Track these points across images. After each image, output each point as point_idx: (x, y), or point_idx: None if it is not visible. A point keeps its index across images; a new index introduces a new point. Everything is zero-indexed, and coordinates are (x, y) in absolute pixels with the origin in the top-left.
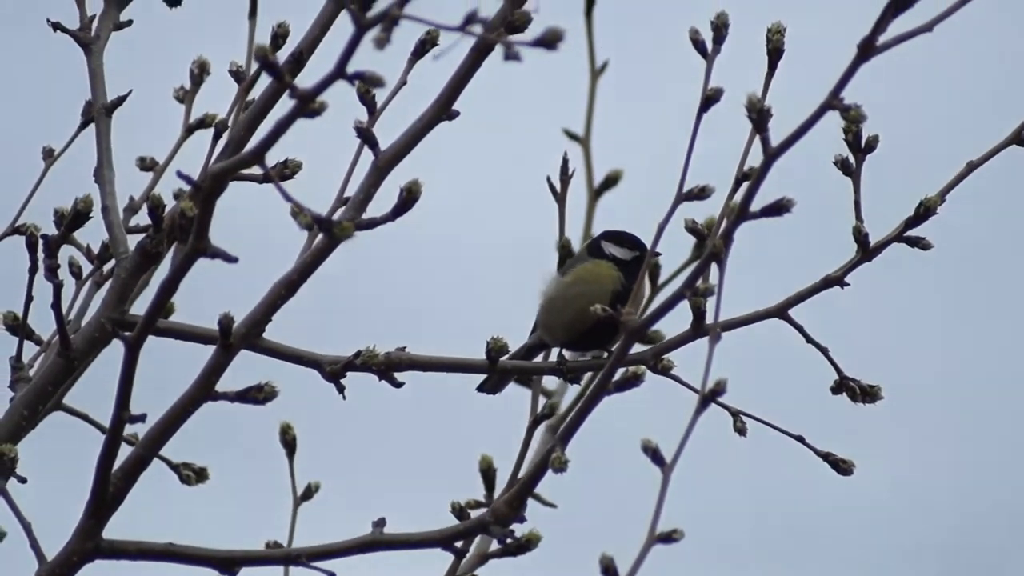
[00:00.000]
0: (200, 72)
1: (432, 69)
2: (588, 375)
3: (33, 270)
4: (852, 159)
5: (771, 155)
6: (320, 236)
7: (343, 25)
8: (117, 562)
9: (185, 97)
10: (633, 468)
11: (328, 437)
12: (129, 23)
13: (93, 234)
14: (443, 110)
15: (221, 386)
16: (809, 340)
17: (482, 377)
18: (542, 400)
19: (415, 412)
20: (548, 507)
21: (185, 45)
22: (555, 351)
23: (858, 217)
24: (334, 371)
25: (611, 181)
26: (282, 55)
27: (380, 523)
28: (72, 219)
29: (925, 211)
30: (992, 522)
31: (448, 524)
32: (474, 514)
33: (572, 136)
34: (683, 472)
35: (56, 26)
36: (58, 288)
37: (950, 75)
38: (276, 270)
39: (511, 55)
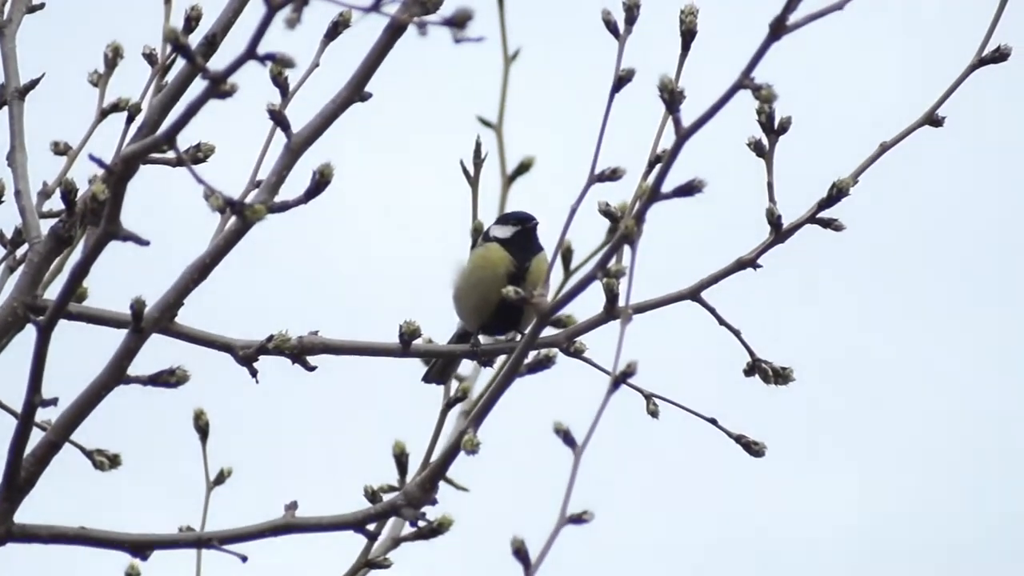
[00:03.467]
0: (114, 56)
1: (345, 51)
2: (501, 358)
3: None
4: (765, 140)
5: (683, 135)
6: (232, 219)
7: (256, 7)
8: (29, 546)
9: (99, 81)
10: (545, 450)
11: (241, 421)
12: (42, 6)
13: (6, 218)
14: (356, 92)
15: (133, 370)
16: (722, 322)
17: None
18: (455, 384)
19: (328, 396)
20: (460, 491)
21: (99, 28)
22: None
23: (771, 199)
24: (247, 355)
25: (524, 168)
26: (195, 38)
27: (292, 506)
28: None
29: (838, 192)
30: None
31: (361, 508)
32: (387, 498)
33: (485, 123)
34: (595, 454)
35: None
36: None
37: (862, 55)
38: (188, 254)
39: (422, 33)
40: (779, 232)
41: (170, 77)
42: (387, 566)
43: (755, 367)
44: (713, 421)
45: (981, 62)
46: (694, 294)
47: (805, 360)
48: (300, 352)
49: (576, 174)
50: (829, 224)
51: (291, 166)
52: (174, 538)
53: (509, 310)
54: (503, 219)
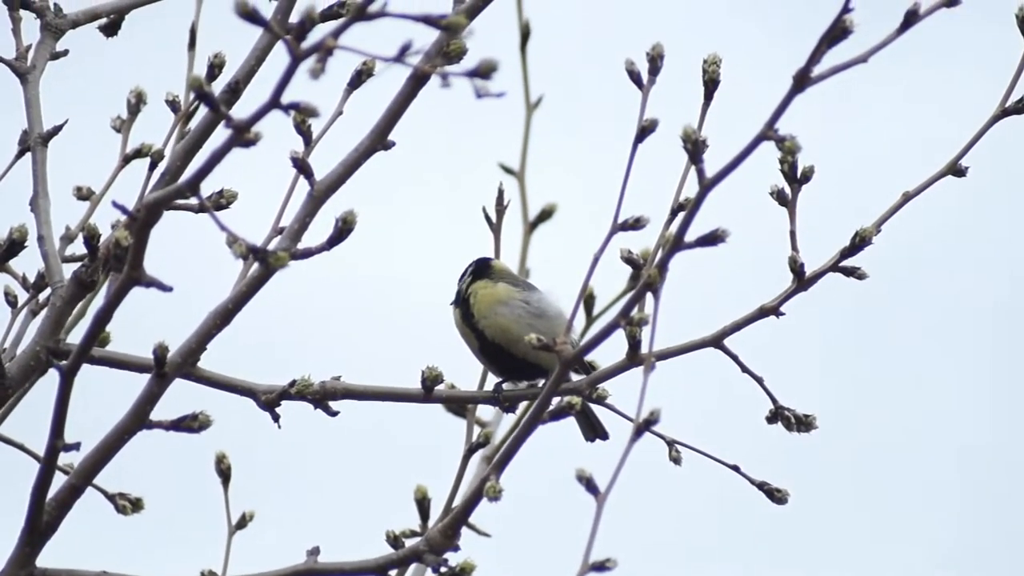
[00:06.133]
0: (137, 102)
1: (368, 100)
2: (524, 404)
3: None
4: (788, 189)
5: (706, 185)
6: (255, 266)
7: (280, 56)
8: None
9: (122, 127)
10: (568, 497)
11: (263, 466)
12: (65, 53)
13: (29, 263)
14: (379, 140)
15: (156, 415)
16: (744, 370)
17: None
18: (477, 429)
19: (350, 441)
20: (483, 536)
21: (122, 75)
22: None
23: (794, 247)
24: (269, 400)
25: (546, 214)
26: (218, 85)
27: (314, 551)
28: (7, 248)
29: (860, 241)
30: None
31: (383, 553)
32: (409, 543)
33: (507, 170)
34: (618, 501)
35: None
36: None
37: (885, 106)
38: (211, 300)
39: (445, 85)
40: (802, 280)
41: (193, 124)
42: None
43: (778, 414)
44: (736, 468)
45: (1004, 112)
46: (717, 341)
47: (827, 408)
48: (322, 397)
49: (599, 222)
50: (852, 272)
51: (314, 213)
52: None
53: (502, 356)
54: None
